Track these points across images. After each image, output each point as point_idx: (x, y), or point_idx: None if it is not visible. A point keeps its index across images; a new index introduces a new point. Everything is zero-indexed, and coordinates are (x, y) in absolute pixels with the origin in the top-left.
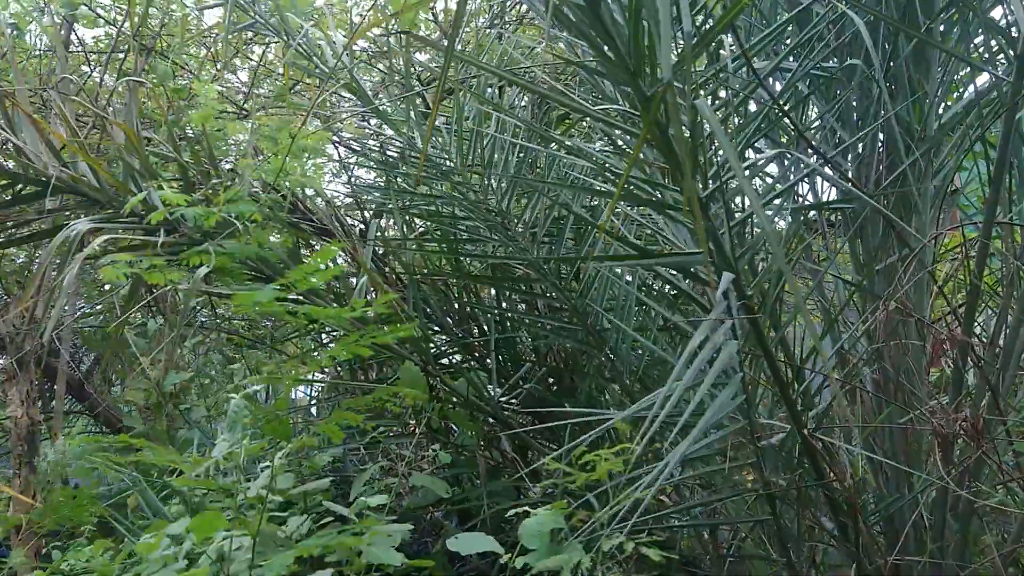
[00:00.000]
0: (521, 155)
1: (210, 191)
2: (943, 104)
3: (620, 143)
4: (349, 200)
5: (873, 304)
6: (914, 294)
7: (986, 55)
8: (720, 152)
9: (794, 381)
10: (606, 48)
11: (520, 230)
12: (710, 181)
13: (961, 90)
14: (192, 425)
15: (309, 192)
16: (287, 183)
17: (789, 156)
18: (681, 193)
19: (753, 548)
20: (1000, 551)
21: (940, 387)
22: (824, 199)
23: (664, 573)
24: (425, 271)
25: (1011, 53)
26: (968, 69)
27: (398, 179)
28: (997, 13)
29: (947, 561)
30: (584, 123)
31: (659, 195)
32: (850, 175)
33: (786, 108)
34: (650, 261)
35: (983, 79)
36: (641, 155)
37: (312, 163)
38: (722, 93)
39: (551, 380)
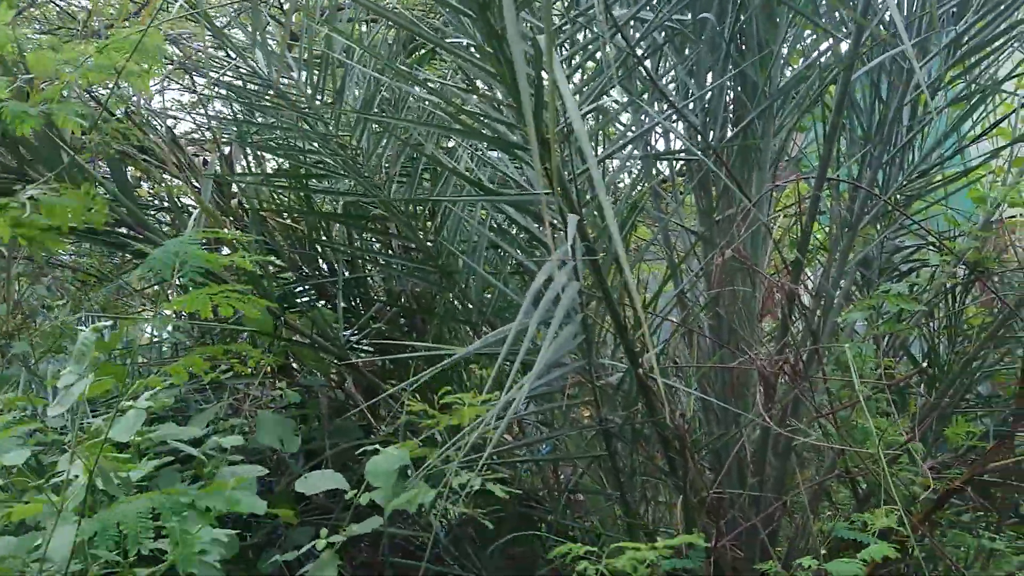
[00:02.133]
0: (378, 91)
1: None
2: (787, 67)
3: (478, 82)
4: (207, 136)
5: (712, 253)
6: (751, 246)
7: (831, 21)
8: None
9: (635, 324)
10: None
11: (373, 167)
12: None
13: (806, 53)
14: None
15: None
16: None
17: (641, 106)
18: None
19: (591, 484)
20: (812, 483)
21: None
22: (675, 151)
23: (506, 508)
24: (272, 208)
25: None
26: (814, 34)
27: (250, 111)
28: None
29: (765, 494)
30: (448, 63)
31: (510, 135)
32: (698, 128)
33: (642, 57)
34: (496, 199)
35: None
36: (492, 93)
37: (148, 68)
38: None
39: (402, 321)
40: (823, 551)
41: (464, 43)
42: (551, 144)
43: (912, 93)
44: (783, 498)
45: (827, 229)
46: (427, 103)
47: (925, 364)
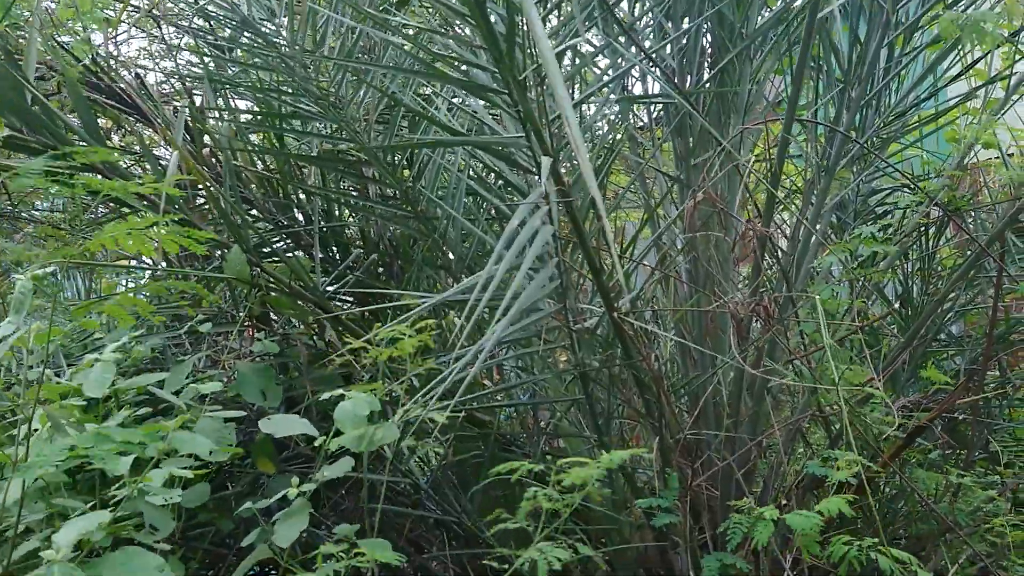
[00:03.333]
0: (358, 38)
1: None
2: (766, 8)
3: (456, 27)
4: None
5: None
6: (728, 190)
7: None
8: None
9: (612, 268)
10: None
11: (352, 115)
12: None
13: None
14: None
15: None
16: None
17: (618, 49)
18: (502, 77)
19: (568, 427)
20: (786, 424)
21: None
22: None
23: (483, 449)
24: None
25: None
26: None
27: (223, 54)
28: None
29: (740, 435)
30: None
31: (485, 78)
32: (672, 72)
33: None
34: (468, 141)
35: None
36: (467, 36)
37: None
38: None
39: (380, 269)
40: (796, 489)
41: None
42: (523, 85)
43: (890, 35)
44: (758, 438)
45: (803, 173)
46: (404, 48)
47: (898, 305)
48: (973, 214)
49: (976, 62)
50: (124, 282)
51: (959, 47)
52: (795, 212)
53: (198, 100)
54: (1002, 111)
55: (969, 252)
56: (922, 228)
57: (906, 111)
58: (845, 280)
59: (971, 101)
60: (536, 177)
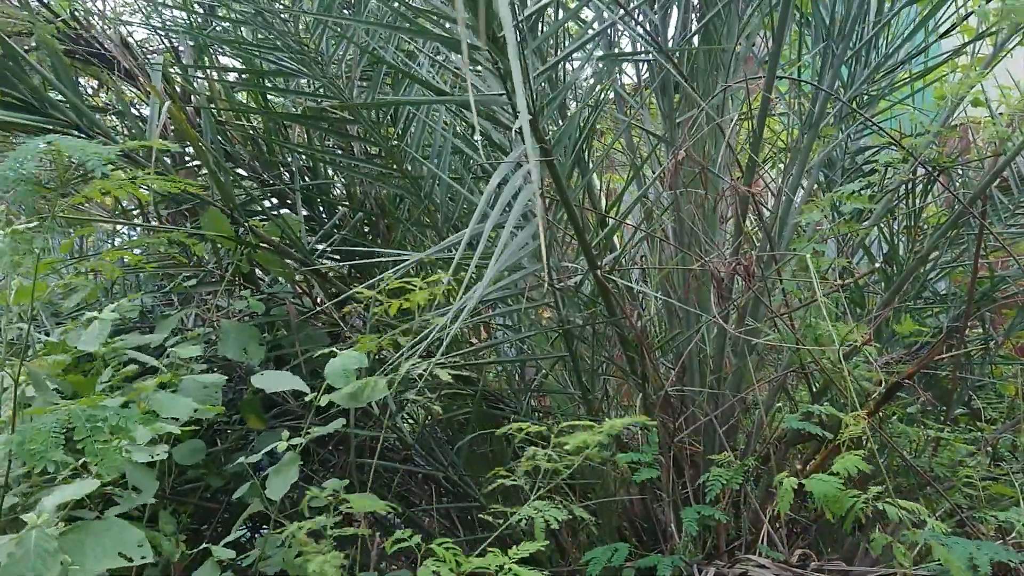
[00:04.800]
0: None
1: None
2: None
3: None
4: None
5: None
6: (714, 148)
7: None
8: None
9: (597, 226)
10: None
11: (335, 71)
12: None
13: None
14: None
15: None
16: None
17: (602, 6)
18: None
19: (554, 384)
20: (769, 380)
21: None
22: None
23: (473, 407)
24: (230, 110)
25: None
26: None
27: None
28: None
29: (723, 391)
30: None
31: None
32: (654, 29)
33: None
34: (451, 100)
35: None
36: None
37: None
38: None
39: (366, 227)
40: (778, 443)
41: None
42: (501, 42)
43: None
44: (741, 394)
45: (789, 130)
46: (384, 2)
47: (883, 262)
48: (961, 172)
49: (967, 17)
50: (111, 242)
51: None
52: (780, 170)
53: (182, 57)
54: (989, 68)
55: (954, 209)
56: (908, 186)
57: (895, 67)
58: (830, 237)
59: (960, 57)
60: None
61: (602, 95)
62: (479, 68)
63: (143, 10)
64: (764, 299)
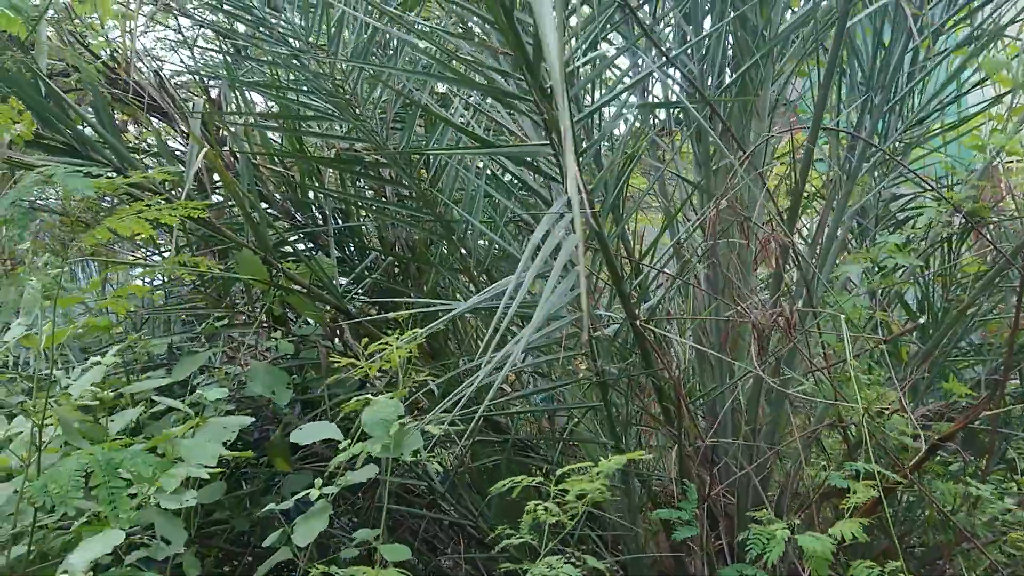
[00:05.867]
0: (372, 35)
1: None
2: (788, 9)
3: (473, 28)
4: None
5: (708, 204)
6: (748, 197)
7: None
8: (573, 42)
9: (631, 275)
10: None
11: (369, 113)
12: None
13: None
14: None
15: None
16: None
17: (638, 52)
18: (526, 83)
19: (586, 433)
20: (804, 433)
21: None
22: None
23: (501, 453)
24: (265, 153)
25: None
26: None
27: (238, 52)
28: None
29: (758, 443)
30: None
31: (507, 84)
32: (692, 76)
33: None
34: (493, 151)
35: None
36: (488, 40)
37: None
38: None
39: (397, 270)
40: (814, 498)
41: None
42: (555, 95)
43: (915, 40)
44: (775, 447)
45: (824, 177)
46: (420, 49)
47: (918, 313)
48: (996, 220)
49: (984, 80)
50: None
51: (984, 51)
52: (815, 218)
53: (215, 96)
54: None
55: (992, 260)
56: (945, 236)
57: (928, 116)
58: (865, 291)
59: (995, 107)
60: (557, 183)
61: (638, 144)
62: (511, 111)
63: (177, 49)
64: (802, 351)
